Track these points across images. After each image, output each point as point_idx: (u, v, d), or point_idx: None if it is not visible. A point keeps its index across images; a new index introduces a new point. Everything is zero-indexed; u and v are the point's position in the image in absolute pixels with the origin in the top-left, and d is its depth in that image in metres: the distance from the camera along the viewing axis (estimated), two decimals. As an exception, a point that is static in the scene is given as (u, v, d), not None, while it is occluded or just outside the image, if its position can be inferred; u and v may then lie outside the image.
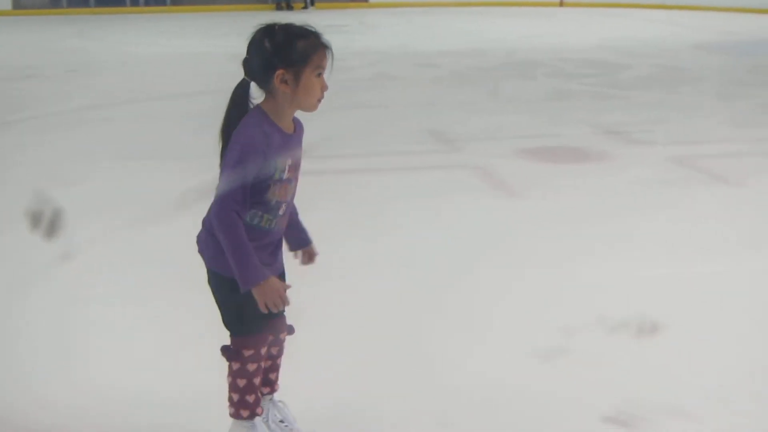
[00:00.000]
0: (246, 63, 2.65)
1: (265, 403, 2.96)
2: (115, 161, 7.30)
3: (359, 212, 5.97)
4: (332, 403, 3.30)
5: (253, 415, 2.84)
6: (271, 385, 3.00)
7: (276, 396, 3.03)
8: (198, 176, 5.21)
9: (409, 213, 5.90)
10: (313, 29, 2.65)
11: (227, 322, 2.79)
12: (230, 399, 2.85)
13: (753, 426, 3.20)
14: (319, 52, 2.63)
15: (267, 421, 2.96)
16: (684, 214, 5.87)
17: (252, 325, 2.76)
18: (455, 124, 8.90)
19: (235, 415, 2.85)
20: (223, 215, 2.56)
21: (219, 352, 2.81)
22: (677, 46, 15.83)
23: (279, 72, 2.59)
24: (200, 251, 2.76)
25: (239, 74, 2.64)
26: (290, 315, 2.88)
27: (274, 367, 3.00)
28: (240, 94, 2.67)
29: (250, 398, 2.82)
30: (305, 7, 24.67)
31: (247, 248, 2.58)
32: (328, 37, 2.64)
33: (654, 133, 8.39)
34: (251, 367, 2.79)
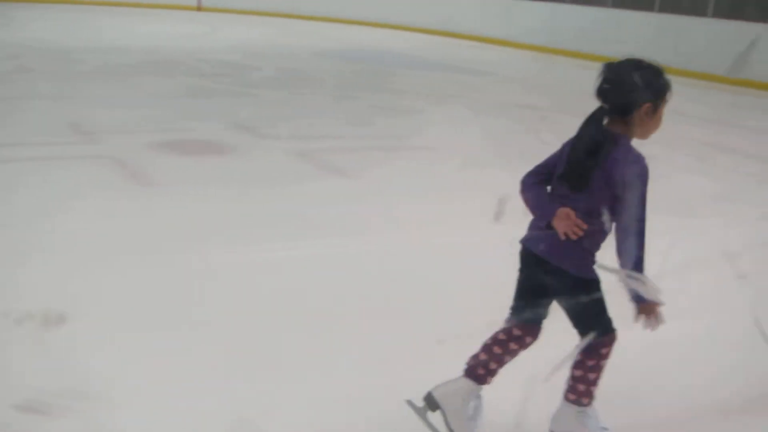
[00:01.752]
0: (608, 93, 2.65)
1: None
2: None
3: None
4: None
5: (590, 403, 2.90)
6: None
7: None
8: None
9: (40, 202, 5.56)
10: (658, 65, 2.71)
11: (593, 324, 2.79)
12: (574, 389, 2.88)
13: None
14: (670, 89, 2.70)
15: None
16: (295, 205, 5.99)
17: (610, 324, 2.82)
18: (95, 117, 8.50)
19: (576, 402, 2.89)
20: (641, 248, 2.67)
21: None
22: (300, 52, 16.30)
23: (646, 105, 2.64)
24: (558, 264, 2.72)
25: None
26: None
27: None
28: (599, 121, 2.66)
29: (595, 390, 2.88)
30: None
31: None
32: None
33: (280, 129, 8.57)
34: (604, 363, 2.84)
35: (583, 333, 2.83)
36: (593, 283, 2.78)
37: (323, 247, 4.99)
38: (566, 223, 2.66)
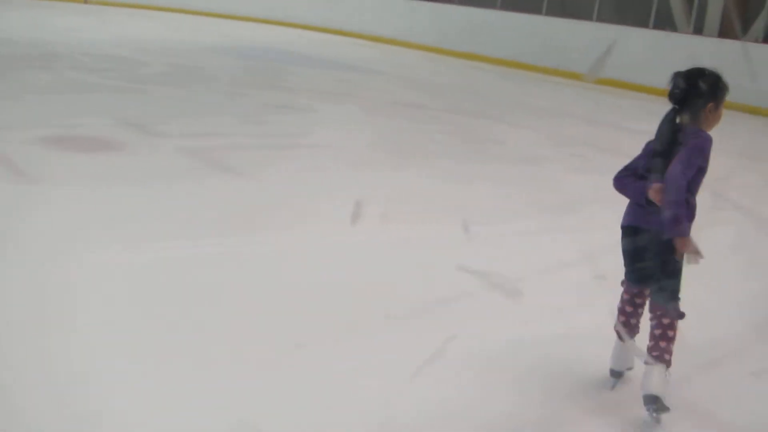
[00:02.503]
0: (678, 96, 3.30)
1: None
2: None
3: None
4: None
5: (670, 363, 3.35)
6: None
7: None
8: None
9: None
10: (719, 73, 3.33)
11: (674, 290, 3.33)
12: (668, 351, 3.31)
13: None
14: (728, 90, 3.34)
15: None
16: (185, 203, 5.89)
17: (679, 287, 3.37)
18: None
19: (670, 364, 3.30)
20: (680, 194, 3.17)
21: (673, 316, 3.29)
22: (191, 48, 16.04)
23: (710, 105, 3.30)
24: (655, 227, 3.27)
25: None
26: None
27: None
28: (672, 119, 3.32)
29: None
30: None
31: (684, 211, 3.20)
32: None
33: (170, 126, 8.40)
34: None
35: (658, 292, 3.36)
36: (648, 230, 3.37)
37: (213, 246, 4.92)
38: (660, 195, 3.24)
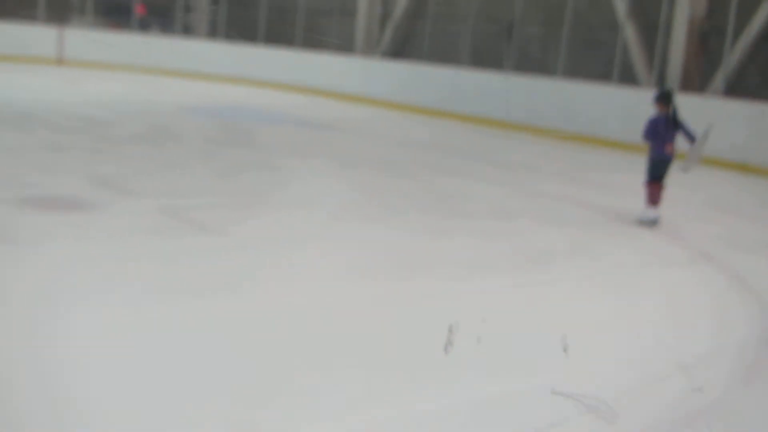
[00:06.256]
0: (671, 99, 8.40)
1: None
2: None
3: None
4: None
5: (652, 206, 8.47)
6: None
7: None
8: None
9: None
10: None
11: (667, 172, 8.54)
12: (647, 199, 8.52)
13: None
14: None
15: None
16: (161, 262, 5.88)
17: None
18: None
19: (650, 204, 8.45)
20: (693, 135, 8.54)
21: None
22: (164, 107, 16.11)
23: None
24: (670, 155, 8.37)
25: None
26: None
27: None
28: (675, 110, 8.38)
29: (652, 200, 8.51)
30: None
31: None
32: None
33: (142, 185, 8.37)
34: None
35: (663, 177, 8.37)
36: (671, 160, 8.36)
37: (191, 306, 4.92)
38: (672, 148, 8.30)
